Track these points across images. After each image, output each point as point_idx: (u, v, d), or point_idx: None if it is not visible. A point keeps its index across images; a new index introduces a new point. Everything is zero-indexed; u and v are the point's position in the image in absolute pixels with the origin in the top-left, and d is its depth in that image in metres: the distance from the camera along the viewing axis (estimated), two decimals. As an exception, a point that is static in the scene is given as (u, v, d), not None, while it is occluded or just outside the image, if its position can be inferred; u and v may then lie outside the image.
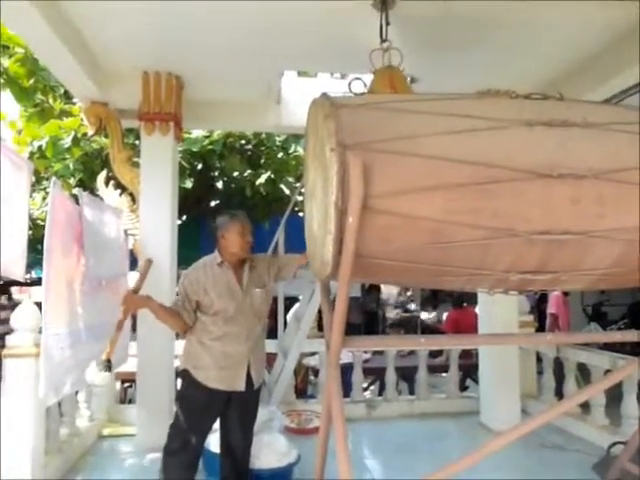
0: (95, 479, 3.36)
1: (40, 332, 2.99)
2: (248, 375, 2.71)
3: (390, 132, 1.96)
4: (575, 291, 7.30)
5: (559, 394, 4.50)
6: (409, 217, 1.90)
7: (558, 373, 4.57)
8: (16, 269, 2.65)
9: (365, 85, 2.66)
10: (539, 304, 7.93)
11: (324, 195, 1.99)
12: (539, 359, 4.89)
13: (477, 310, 5.87)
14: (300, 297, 6.56)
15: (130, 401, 5.12)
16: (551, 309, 6.88)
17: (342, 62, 3.91)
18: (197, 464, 2.77)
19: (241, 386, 2.69)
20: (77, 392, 3.86)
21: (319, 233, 2.13)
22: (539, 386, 4.81)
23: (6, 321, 3.11)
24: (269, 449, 2.99)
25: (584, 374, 4.48)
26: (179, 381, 2.82)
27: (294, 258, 3.00)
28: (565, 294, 6.99)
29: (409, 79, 4.10)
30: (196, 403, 2.70)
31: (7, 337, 3.07)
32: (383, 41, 3.09)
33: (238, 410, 2.75)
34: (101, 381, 2.60)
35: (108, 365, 2.56)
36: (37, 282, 10.71)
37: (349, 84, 2.40)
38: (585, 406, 4.13)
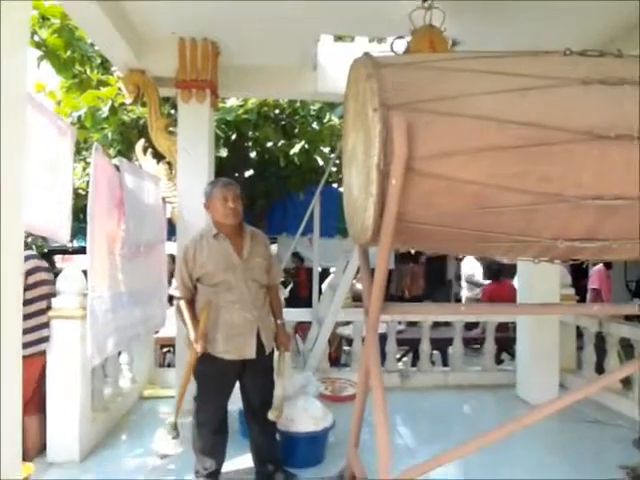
0: (139, 436, 3.49)
1: (85, 295, 3.10)
2: (259, 342, 2.72)
3: (435, 91, 1.89)
4: (619, 264, 7.06)
5: (599, 369, 4.39)
6: (453, 180, 1.84)
7: (599, 348, 4.45)
8: (62, 233, 2.72)
9: (407, 44, 2.57)
10: (578, 280, 7.69)
11: (365, 158, 1.95)
12: (579, 334, 4.77)
13: (515, 283, 5.76)
14: (332, 269, 6.58)
15: (169, 365, 5.27)
16: (593, 284, 6.67)
17: (380, 25, 3.78)
18: (225, 429, 2.83)
19: (252, 353, 2.69)
20: (119, 354, 3.99)
21: (359, 197, 2.09)
22: (579, 361, 4.70)
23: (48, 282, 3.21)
24: (305, 413, 3.03)
25: (627, 350, 4.35)
26: None
27: (277, 289, 2.97)
28: (607, 268, 6.76)
29: (450, 42, 3.95)
30: (211, 375, 2.72)
31: (53, 299, 3.18)
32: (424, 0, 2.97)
33: (254, 376, 2.77)
34: (171, 450, 2.79)
35: (176, 430, 2.76)
36: (80, 251, 11.09)
37: (391, 44, 2.32)
38: (626, 382, 4.02)
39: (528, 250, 2.11)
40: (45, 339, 3.07)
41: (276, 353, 2.89)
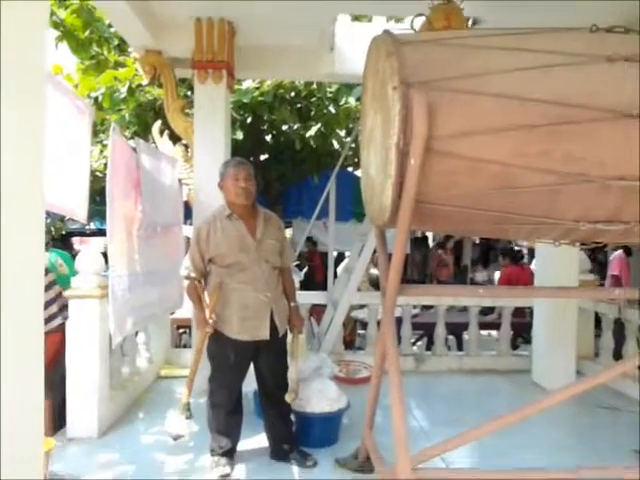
0: (156, 414, 3.55)
1: (103, 275, 3.14)
2: (272, 323, 2.72)
3: (456, 69, 1.85)
4: (638, 251, 6.93)
5: (617, 356, 4.34)
6: (474, 160, 1.81)
7: (618, 335, 4.39)
8: (80, 212, 2.74)
9: (426, 20, 2.51)
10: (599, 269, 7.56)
11: (384, 138, 1.92)
12: (597, 322, 4.71)
13: (533, 267, 5.70)
14: (347, 253, 6.58)
15: (185, 346, 5.33)
16: (613, 271, 6.55)
17: (399, 4, 3.70)
18: (240, 409, 2.86)
19: (265, 335, 2.69)
20: (137, 334, 4.05)
21: (377, 178, 2.07)
22: (597, 348, 4.65)
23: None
24: (320, 395, 3.04)
25: (646, 337, 4.29)
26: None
27: (289, 272, 2.95)
28: (627, 255, 6.64)
29: (470, 21, 3.86)
30: (225, 356, 2.73)
31: (72, 279, 3.22)
32: (445, -23, 2.90)
33: (267, 358, 2.78)
34: (184, 431, 2.77)
35: (188, 410, 2.74)
36: (97, 233, 11.22)
37: (411, 21, 2.27)
38: (644, 369, 3.97)
39: (550, 232, 2.08)
40: (54, 316, 3.10)
41: (289, 335, 2.90)
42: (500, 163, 1.80)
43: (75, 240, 10.37)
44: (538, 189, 1.84)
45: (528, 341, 5.32)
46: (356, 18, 5.01)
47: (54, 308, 3.11)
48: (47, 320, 3.06)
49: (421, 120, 1.72)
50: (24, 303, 1.26)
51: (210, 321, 2.64)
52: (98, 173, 6.79)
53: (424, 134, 1.72)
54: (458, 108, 1.80)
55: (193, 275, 2.74)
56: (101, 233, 9.69)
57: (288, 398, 2.73)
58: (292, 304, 2.89)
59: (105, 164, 7.04)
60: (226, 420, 2.80)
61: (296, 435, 2.94)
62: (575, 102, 1.80)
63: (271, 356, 2.79)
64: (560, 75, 1.85)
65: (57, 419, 3.17)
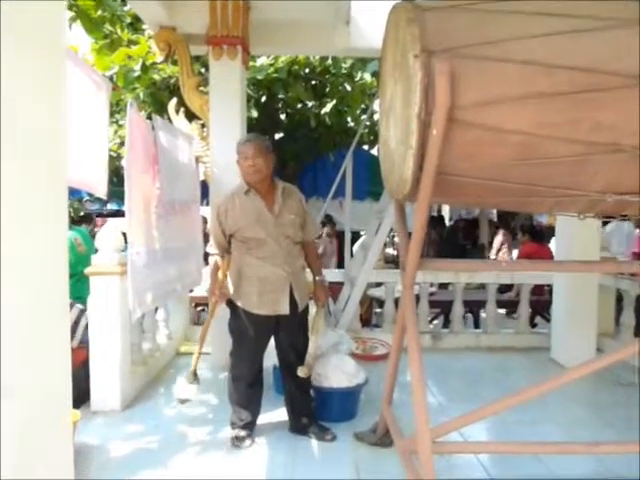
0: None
1: (123, 252, 3.17)
2: (292, 298, 2.72)
3: (480, 36, 1.79)
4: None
5: (638, 333, 4.29)
6: (498, 130, 1.76)
7: (639, 312, 4.33)
8: (99, 187, 2.75)
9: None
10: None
11: (405, 108, 1.88)
12: (618, 299, 4.65)
13: (552, 246, 5.62)
14: (362, 232, 6.55)
15: (203, 323, 5.39)
16: (634, 248, 6.44)
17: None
18: (260, 383, 2.89)
19: (285, 309, 2.70)
20: (156, 311, 4.10)
21: (397, 150, 2.04)
22: (617, 325, 4.60)
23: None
24: (338, 370, 3.06)
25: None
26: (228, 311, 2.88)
27: (313, 245, 2.99)
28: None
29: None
30: (245, 330, 2.76)
31: (92, 257, 3.26)
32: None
33: (288, 332, 2.80)
34: (191, 395, 2.91)
35: (195, 377, 2.88)
36: (114, 214, 11.32)
37: (432, -12, 2.20)
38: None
39: (574, 205, 2.03)
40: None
41: (312, 310, 2.90)
42: (525, 133, 1.75)
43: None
44: (564, 159, 1.79)
45: (547, 319, 5.28)
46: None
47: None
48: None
49: (443, 89, 1.67)
50: (48, 278, 1.28)
51: (217, 292, 2.72)
52: (113, 153, 6.81)
53: (447, 103, 1.68)
54: (482, 76, 1.75)
55: (215, 251, 2.80)
56: (119, 214, 9.78)
57: (301, 372, 2.73)
58: (317, 277, 2.90)
59: (121, 143, 7.07)
60: (247, 393, 2.84)
61: (315, 410, 2.97)
62: (602, 68, 1.73)
63: (291, 331, 2.81)
64: (587, 40, 1.78)
65: (81, 394, 3.24)
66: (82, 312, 3.33)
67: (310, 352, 2.82)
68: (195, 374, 2.88)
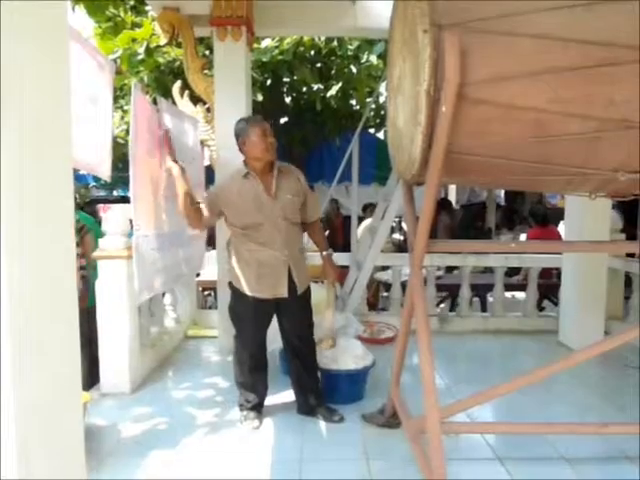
0: (185, 372, 3.64)
1: (130, 236, 3.16)
2: (291, 281, 2.70)
3: (490, 9, 1.75)
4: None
5: (648, 316, 4.26)
6: (509, 107, 1.73)
7: (648, 295, 4.30)
8: (103, 169, 2.73)
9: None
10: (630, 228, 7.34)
11: (414, 85, 1.85)
12: (627, 283, 4.61)
13: (560, 229, 5.56)
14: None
15: (210, 307, 5.42)
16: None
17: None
18: (265, 365, 2.90)
19: (283, 293, 2.68)
20: (163, 295, 4.11)
21: (406, 129, 2.00)
22: (626, 308, 4.57)
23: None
24: (346, 352, 3.06)
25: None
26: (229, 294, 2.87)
27: (317, 224, 2.89)
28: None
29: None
30: (244, 313, 2.76)
31: (100, 240, 3.26)
32: None
33: (289, 315, 2.79)
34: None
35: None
36: (119, 201, 11.34)
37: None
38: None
39: (586, 184, 1.99)
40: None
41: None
42: (537, 109, 1.71)
43: (99, 207, 10.48)
44: (578, 137, 1.75)
45: (555, 303, 5.25)
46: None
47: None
48: None
49: (453, 65, 1.64)
50: (55, 262, 1.27)
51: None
52: (119, 140, 6.77)
53: (456, 79, 1.64)
54: (492, 51, 1.71)
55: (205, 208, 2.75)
56: (125, 200, 9.79)
57: (325, 345, 2.71)
58: (324, 253, 2.87)
59: (127, 130, 7.03)
60: (252, 375, 2.85)
61: (323, 392, 2.98)
62: (618, 42, 1.68)
63: (293, 314, 2.80)
64: (601, 13, 1.73)
65: (90, 376, 3.27)
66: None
67: (328, 326, 2.80)
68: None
